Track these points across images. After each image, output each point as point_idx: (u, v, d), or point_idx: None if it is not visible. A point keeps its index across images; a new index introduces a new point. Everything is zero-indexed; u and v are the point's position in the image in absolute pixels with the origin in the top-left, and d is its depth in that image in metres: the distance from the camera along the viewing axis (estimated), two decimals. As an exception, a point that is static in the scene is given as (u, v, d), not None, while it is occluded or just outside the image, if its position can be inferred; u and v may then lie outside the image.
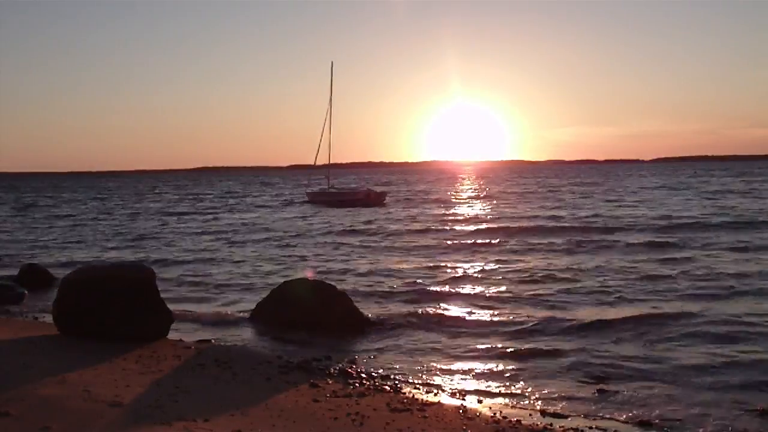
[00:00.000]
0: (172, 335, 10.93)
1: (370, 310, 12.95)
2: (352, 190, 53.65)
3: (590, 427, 7.18)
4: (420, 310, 13.07)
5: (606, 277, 16.26)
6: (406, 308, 13.36)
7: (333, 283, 13.35)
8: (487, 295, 14.65)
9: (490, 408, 7.79)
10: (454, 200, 53.39)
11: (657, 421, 7.41)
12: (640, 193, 52.49)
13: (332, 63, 51.49)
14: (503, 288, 15.30)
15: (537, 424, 7.16)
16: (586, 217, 32.67)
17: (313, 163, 52.27)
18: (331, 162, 52.03)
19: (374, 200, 48.63)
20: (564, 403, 7.98)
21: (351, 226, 31.68)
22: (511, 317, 12.47)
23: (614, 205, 40.58)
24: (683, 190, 55.91)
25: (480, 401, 8.07)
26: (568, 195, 54.59)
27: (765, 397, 8.07)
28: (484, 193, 63.58)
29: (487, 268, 18.32)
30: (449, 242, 24.60)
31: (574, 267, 17.80)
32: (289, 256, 22.05)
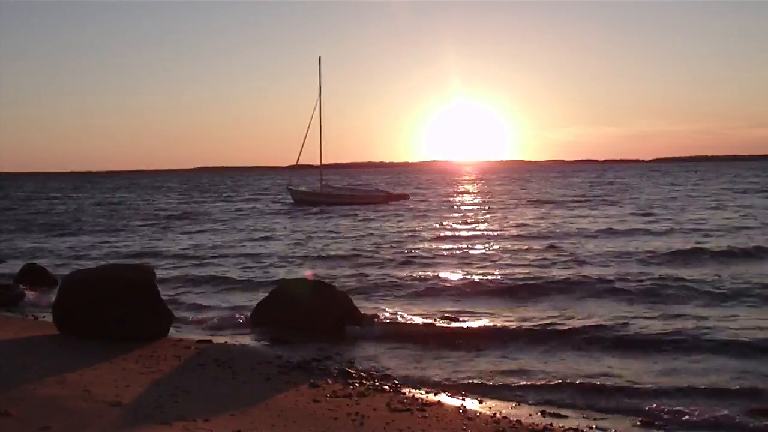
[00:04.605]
0: (172, 335, 10.94)
1: (370, 310, 12.94)
2: (369, 191, 53.34)
3: (590, 427, 7.18)
4: (421, 311, 13.07)
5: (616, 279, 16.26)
6: (406, 308, 13.36)
7: (332, 282, 13.35)
8: (489, 296, 14.64)
9: (490, 408, 7.79)
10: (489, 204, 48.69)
11: (657, 421, 7.42)
12: (732, 195, 47.59)
13: (320, 58, 50.07)
14: (505, 289, 15.29)
15: (537, 424, 7.16)
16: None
17: (296, 162, 50.92)
18: (323, 162, 50.95)
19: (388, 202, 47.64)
20: (564, 403, 7.99)
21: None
22: (513, 319, 12.46)
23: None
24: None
25: (480, 401, 8.06)
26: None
27: (760, 398, 8.08)
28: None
29: (489, 271, 18.32)
30: (461, 244, 24.52)
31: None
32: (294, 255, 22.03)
